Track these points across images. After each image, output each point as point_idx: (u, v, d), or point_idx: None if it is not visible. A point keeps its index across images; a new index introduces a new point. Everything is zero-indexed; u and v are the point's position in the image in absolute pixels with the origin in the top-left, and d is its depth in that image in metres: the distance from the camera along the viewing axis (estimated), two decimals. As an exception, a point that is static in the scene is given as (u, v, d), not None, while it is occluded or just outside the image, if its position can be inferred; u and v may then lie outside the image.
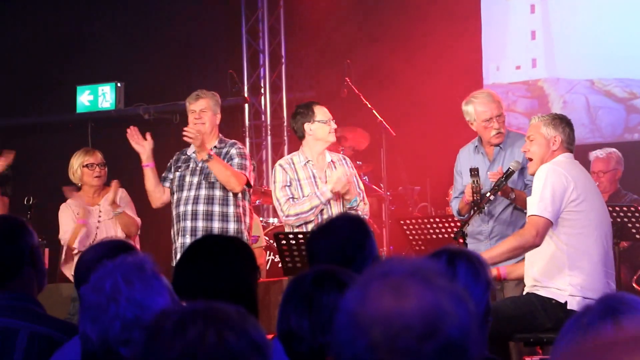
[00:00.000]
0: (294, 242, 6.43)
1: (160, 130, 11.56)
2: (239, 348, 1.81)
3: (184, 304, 1.91)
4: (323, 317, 2.86)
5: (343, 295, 2.80)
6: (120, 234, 7.71)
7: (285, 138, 11.37)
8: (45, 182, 11.27)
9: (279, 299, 8.57)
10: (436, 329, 1.65)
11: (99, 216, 7.89)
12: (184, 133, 7.12)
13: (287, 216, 7.01)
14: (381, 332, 1.65)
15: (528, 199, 5.85)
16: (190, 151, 7.41)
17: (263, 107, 11.52)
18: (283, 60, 11.51)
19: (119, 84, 11.94)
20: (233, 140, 7.49)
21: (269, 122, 11.48)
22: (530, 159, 5.95)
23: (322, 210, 7.02)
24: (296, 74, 11.49)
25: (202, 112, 7.34)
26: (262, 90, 11.52)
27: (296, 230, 6.90)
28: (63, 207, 8.01)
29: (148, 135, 7.36)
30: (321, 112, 7.13)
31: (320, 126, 7.12)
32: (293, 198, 7.02)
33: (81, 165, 7.90)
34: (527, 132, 6.04)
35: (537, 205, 5.68)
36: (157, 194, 7.39)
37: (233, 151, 7.27)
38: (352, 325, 1.68)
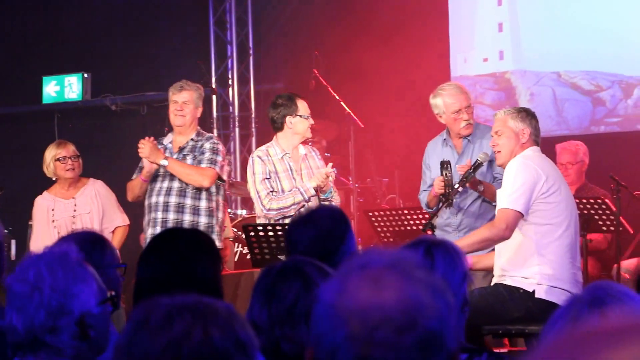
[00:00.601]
0: (262, 233, 6.42)
1: (127, 121, 11.54)
2: (224, 346, 1.81)
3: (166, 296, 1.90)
4: (282, 310, 2.86)
5: (306, 289, 2.82)
6: (97, 227, 7.62)
7: (253, 130, 11.36)
8: (11, 173, 11.21)
9: (247, 290, 8.57)
10: (415, 321, 1.67)
11: (74, 210, 7.82)
12: (139, 150, 7.12)
13: (269, 210, 6.90)
14: (360, 324, 1.66)
15: (498, 191, 5.88)
16: (166, 141, 7.37)
17: (231, 98, 11.50)
18: (251, 52, 11.49)
19: (85, 75, 11.86)
20: (210, 135, 7.45)
21: (236, 114, 11.46)
22: (499, 152, 5.97)
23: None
24: (264, 66, 11.47)
25: (185, 104, 7.29)
26: (230, 82, 11.50)
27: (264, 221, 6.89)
28: (38, 201, 7.92)
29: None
30: (303, 107, 7.09)
31: (301, 121, 7.07)
32: (273, 192, 6.96)
33: (53, 159, 7.82)
34: (493, 127, 6.06)
35: (507, 198, 5.71)
36: (140, 197, 7.35)
37: (207, 145, 7.21)
38: (331, 317, 1.69)
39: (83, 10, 12.04)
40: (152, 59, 11.66)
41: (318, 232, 4.00)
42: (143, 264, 3.39)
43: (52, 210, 7.81)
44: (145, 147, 7.10)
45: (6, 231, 8.47)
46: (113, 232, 7.78)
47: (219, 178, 7.19)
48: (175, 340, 1.80)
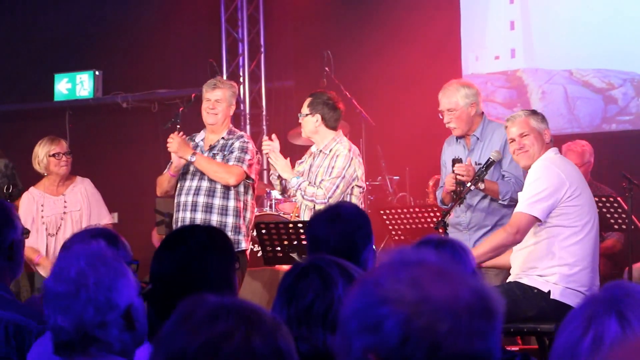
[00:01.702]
0: (274, 231, 6.43)
1: (139, 119, 11.54)
2: (263, 353, 1.81)
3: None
4: (300, 309, 2.85)
5: (325, 289, 2.81)
6: (85, 224, 7.59)
7: (264, 127, 11.34)
8: (22, 171, 11.23)
9: (259, 287, 8.52)
10: (492, 307, 1.72)
11: (65, 207, 7.81)
12: (167, 145, 7.11)
13: None
14: (456, 317, 1.68)
15: (519, 194, 5.84)
16: (198, 138, 7.33)
17: (242, 96, 11.49)
18: (262, 50, 11.48)
19: (97, 73, 11.88)
20: (241, 133, 7.40)
21: (247, 112, 11.45)
22: (527, 151, 5.86)
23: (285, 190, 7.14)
24: (275, 63, 11.47)
25: (217, 102, 7.22)
26: (241, 80, 11.49)
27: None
28: (25, 196, 7.89)
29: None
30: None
31: None
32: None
33: (47, 155, 7.81)
34: (512, 131, 5.94)
35: (525, 201, 5.68)
36: (170, 192, 7.32)
37: (236, 144, 7.17)
38: (422, 314, 1.68)
39: (95, 7, 12.06)
40: (164, 56, 11.66)
41: (345, 228, 4.00)
42: (156, 261, 3.40)
43: (42, 206, 7.79)
44: (173, 141, 7.07)
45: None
46: None
47: (247, 177, 7.14)
48: (215, 339, 1.80)
